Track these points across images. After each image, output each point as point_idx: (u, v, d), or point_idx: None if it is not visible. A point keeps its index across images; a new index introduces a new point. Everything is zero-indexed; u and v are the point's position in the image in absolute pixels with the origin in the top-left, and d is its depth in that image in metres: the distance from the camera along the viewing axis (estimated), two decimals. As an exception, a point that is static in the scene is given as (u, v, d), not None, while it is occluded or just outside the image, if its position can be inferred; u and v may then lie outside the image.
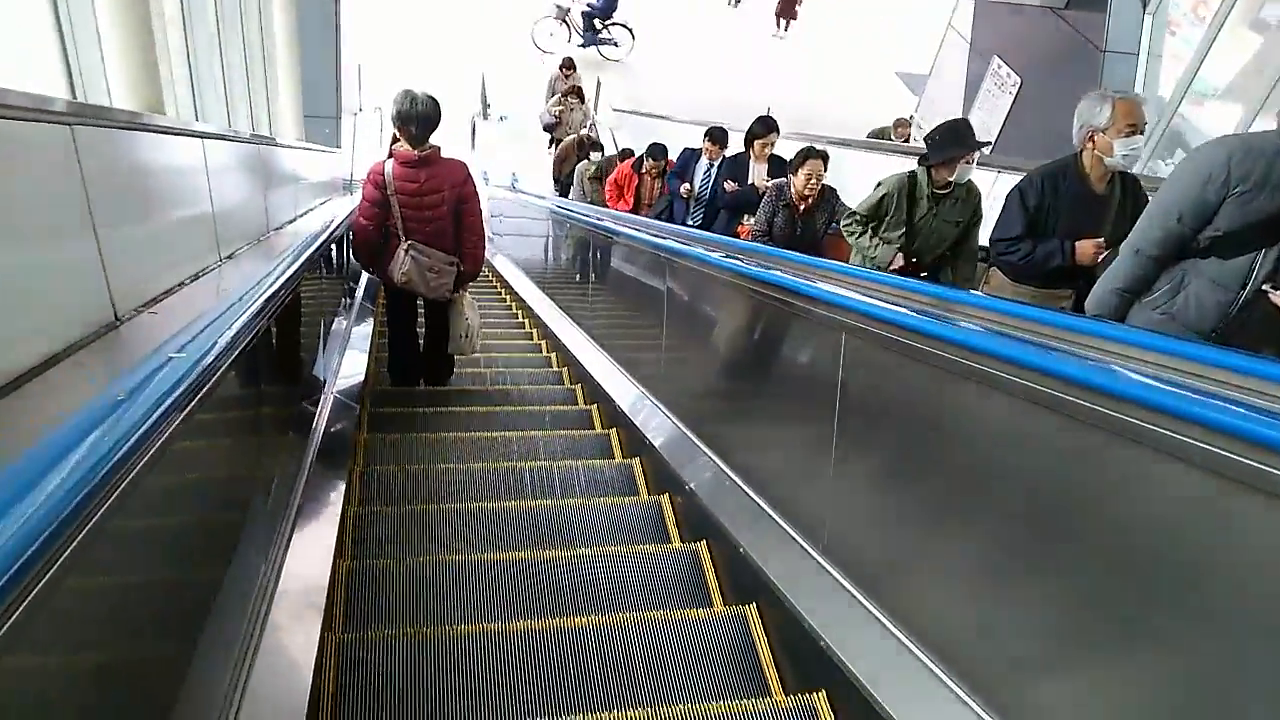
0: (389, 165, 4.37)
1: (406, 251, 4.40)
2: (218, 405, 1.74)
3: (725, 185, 5.87)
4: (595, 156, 9.16)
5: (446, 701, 2.23)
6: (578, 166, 9.04)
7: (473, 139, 14.66)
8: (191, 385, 1.35)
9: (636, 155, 7.29)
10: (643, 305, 4.60)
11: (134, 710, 1.22)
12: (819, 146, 4.93)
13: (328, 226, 4.28)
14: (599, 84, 14.89)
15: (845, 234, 4.35)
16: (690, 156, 6.44)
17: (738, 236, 5.33)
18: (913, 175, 4.10)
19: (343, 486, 3.11)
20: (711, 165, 6.26)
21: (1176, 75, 7.93)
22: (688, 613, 2.60)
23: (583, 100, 11.59)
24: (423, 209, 4.40)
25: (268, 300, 2.16)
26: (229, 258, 2.70)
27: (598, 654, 2.41)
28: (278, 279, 2.43)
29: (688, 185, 6.33)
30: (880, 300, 2.13)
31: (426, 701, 2.21)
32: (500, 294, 9.10)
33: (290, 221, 4.29)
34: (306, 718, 1.84)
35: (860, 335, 2.19)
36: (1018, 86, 10.04)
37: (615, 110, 14.68)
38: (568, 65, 12.45)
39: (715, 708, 2.15)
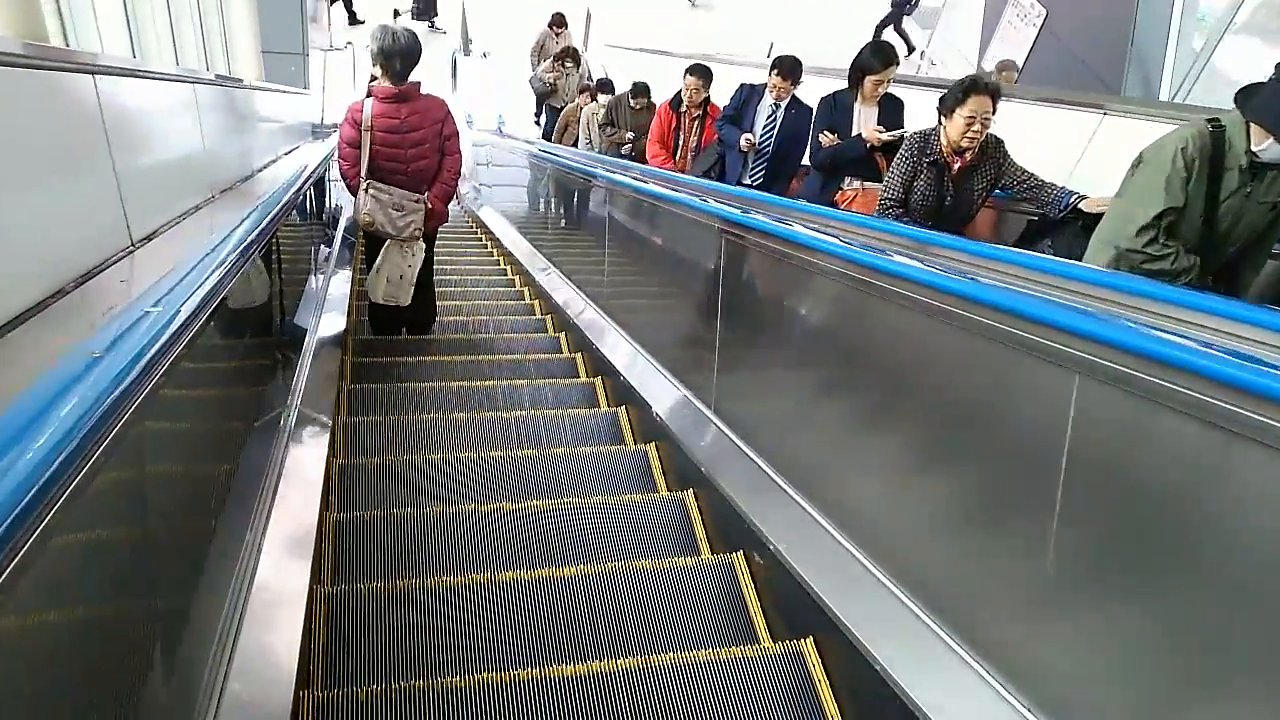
0: (368, 103, 4.26)
1: (366, 190, 4.31)
2: (198, 356, 1.70)
3: (822, 137, 4.34)
4: (604, 99, 8.10)
5: (436, 652, 2.24)
6: (584, 110, 8.19)
7: (454, 78, 13.80)
8: (167, 341, 1.32)
9: (675, 92, 5.69)
10: (683, 287, 3.70)
11: (122, 668, 1.21)
12: (986, 78, 3.42)
13: (292, 183, 3.62)
14: (589, 15, 14.09)
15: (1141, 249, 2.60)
16: (749, 94, 5.01)
17: (835, 206, 4.14)
18: (1215, 132, 2.55)
19: (327, 438, 3.09)
20: (778, 107, 4.93)
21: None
22: (675, 561, 2.62)
23: (578, 64, 10.29)
24: (404, 147, 4.30)
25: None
26: (144, 240, 2.04)
27: (586, 603, 2.42)
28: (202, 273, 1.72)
29: (749, 136, 4.93)
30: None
31: (416, 652, 2.22)
32: (489, 251, 8.11)
33: (246, 178, 3.77)
34: (297, 669, 1.84)
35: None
36: (1042, 18, 9.41)
37: (608, 46, 13.70)
38: (558, 23, 11.17)
39: (703, 655, 2.17)
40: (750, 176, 5.03)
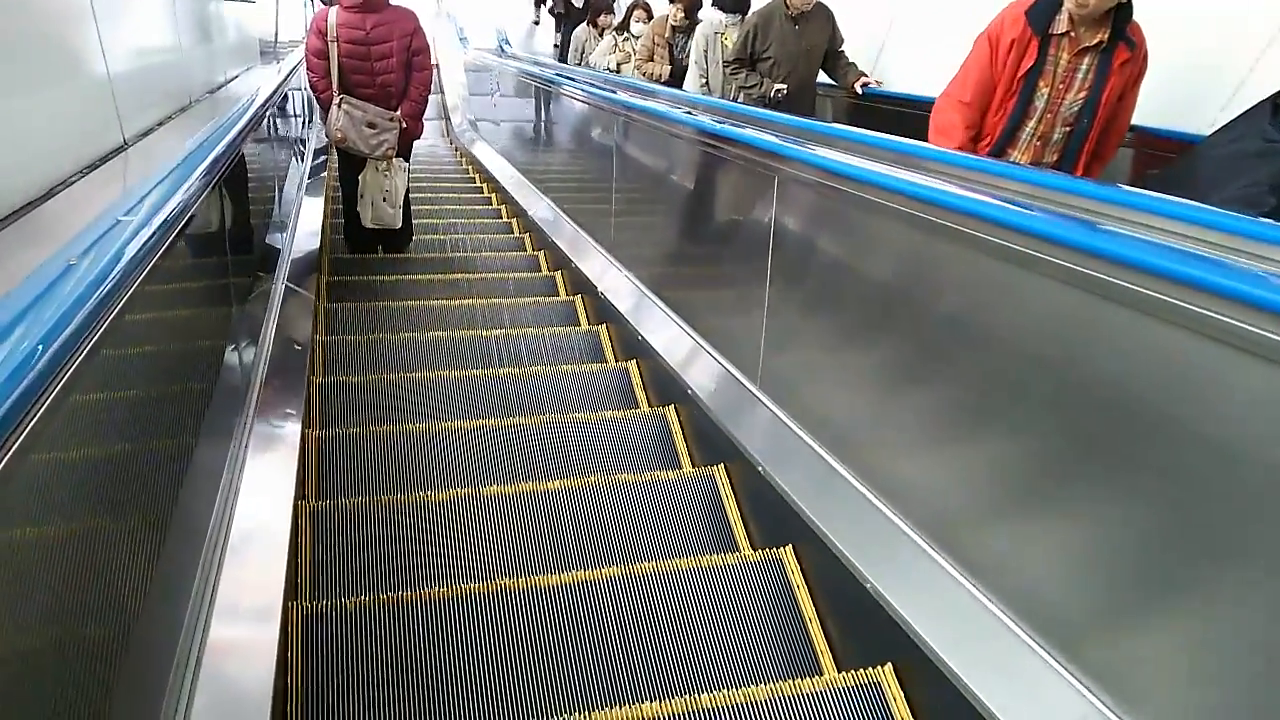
0: (333, 12, 4.11)
1: (339, 106, 4.19)
2: (168, 275, 1.67)
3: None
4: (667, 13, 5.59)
5: (422, 565, 2.28)
6: (700, 32, 5.14)
7: None
8: (140, 251, 1.29)
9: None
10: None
11: (109, 583, 1.21)
12: None
13: (237, 121, 2.68)
14: None
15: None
16: None
17: None
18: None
19: (306, 356, 3.07)
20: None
21: None
22: (658, 474, 2.65)
23: (650, 18, 6.14)
24: (370, 60, 4.17)
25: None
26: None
27: (570, 516, 2.46)
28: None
29: None
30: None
31: (401, 565, 2.26)
32: (497, 210, 6.36)
33: (157, 122, 2.59)
34: (285, 582, 1.86)
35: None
36: None
37: None
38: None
39: (685, 563, 2.22)
40: None
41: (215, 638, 1.57)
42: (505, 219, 6.08)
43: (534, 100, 6.37)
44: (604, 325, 3.84)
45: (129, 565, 1.30)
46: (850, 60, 4.62)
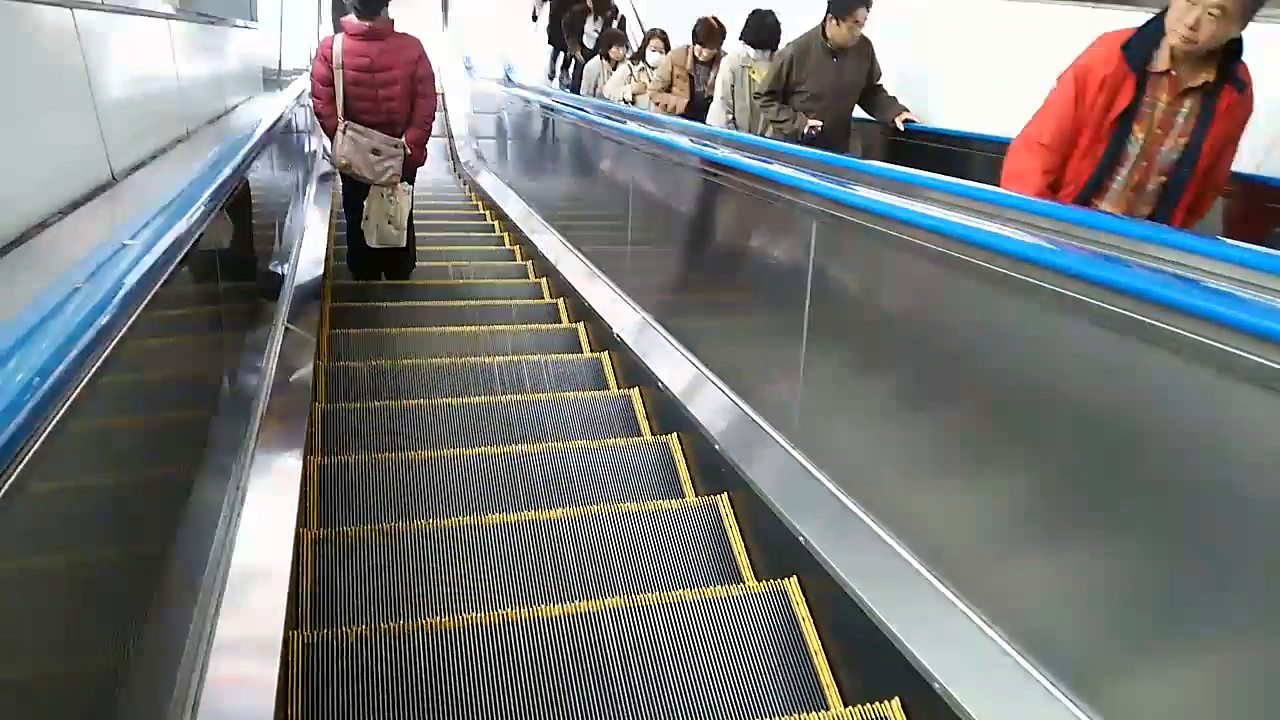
0: (339, 39, 4.15)
1: (344, 132, 4.22)
2: (175, 302, 1.67)
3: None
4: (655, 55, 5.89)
5: (423, 593, 2.26)
6: (725, 64, 4.96)
7: (445, 13, 11.97)
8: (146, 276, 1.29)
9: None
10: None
11: (109, 612, 1.20)
12: None
13: (239, 150, 2.52)
14: None
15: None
16: None
17: None
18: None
19: (309, 383, 3.07)
20: None
21: None
22: (661, 504, 2.64)
23: (668, 47, 6.10)
24: (375, 87, 4.20)
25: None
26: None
27: (573, 545, 2.44)
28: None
29: None
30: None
31: (402, 593, 2.24)
32: (507, 248, 6.12)
33: (151, 155, 2.44)
34: (286, 610, 1.85)
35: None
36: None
37: None
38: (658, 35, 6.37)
39: (689, 594, 2.20)
40: None
41: (216, 666, 1.55)
42: (520, 261, 5.77)
43: (542, 130, 6.25)
44: (635, 389, 3.45)
45: (128, 592, 1.29)
46: (890, 94, 4.38)
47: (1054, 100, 2.46)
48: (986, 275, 1.63)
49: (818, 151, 2.71)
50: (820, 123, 4.19)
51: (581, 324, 4.24)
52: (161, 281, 1.43)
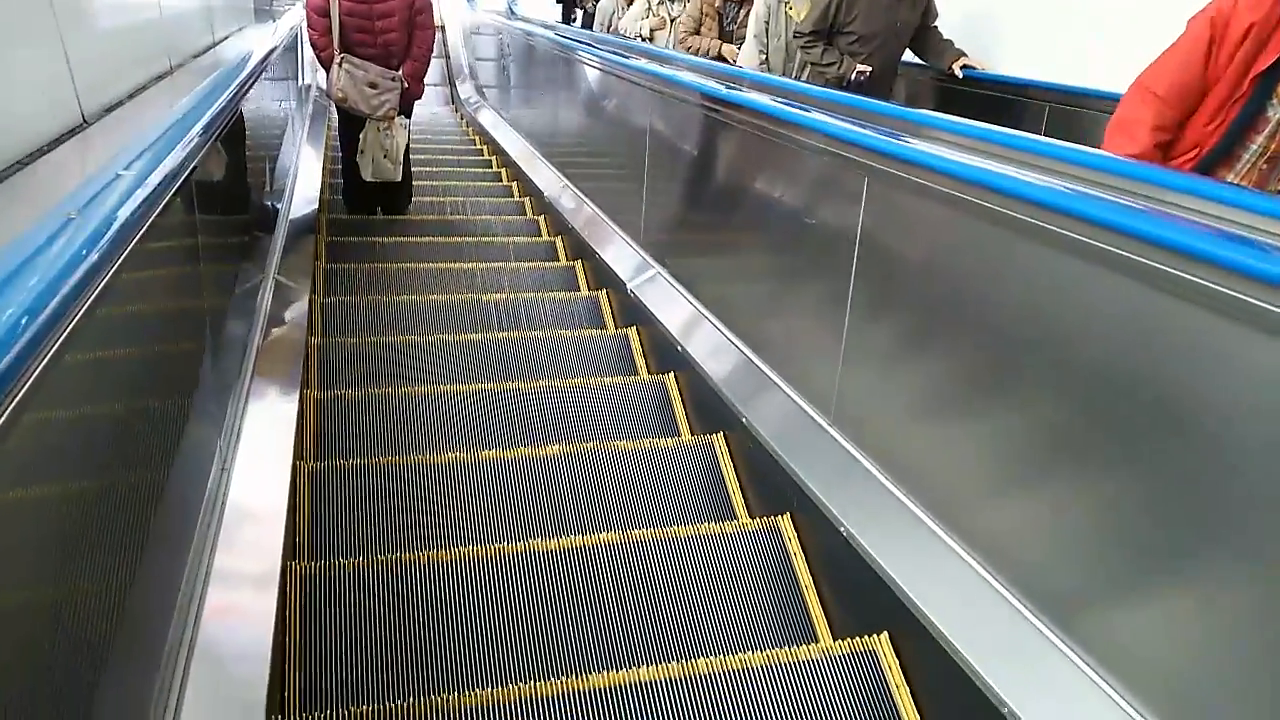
0: None
1: (340, 65, 4.14)
2: (168, 233, 1.64)
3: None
4: None
5: (418, 526, 2.28)
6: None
7: None
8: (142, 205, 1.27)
9: None
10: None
11: (106, 538, 1.21)
12: None
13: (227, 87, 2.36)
14: None
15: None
16: None
17: None
18: None
19: (304, 318, 3.05)
20: None
21: None
22: (657, 441, 2.65)
23: None
24: (372, 18, 4.11)
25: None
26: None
27: (569, 481, 2.46)
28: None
29: None
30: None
31: (399, 525, 2.26)
32: (512, 193, 5.81)
33: (129, 94, 2.20)
34: (284, 540, 1.87)
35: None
36: None
37: None
38: None
39: (683, 530, 2.22)
40: None
41: (215, 592, 1.57)
42: (525, 210, 5.42)
43: (548, 67, 5.85)
44: (633, 328, 3.45)
45: (126, 525, 1.29)
46: (946, 37, 3.87)
47: (1180, 46, 2.13)
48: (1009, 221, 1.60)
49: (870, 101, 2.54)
50: (869, 68, 3.72)
51: (579, 262, 4.21)
52: (157, 213, 1.40)
